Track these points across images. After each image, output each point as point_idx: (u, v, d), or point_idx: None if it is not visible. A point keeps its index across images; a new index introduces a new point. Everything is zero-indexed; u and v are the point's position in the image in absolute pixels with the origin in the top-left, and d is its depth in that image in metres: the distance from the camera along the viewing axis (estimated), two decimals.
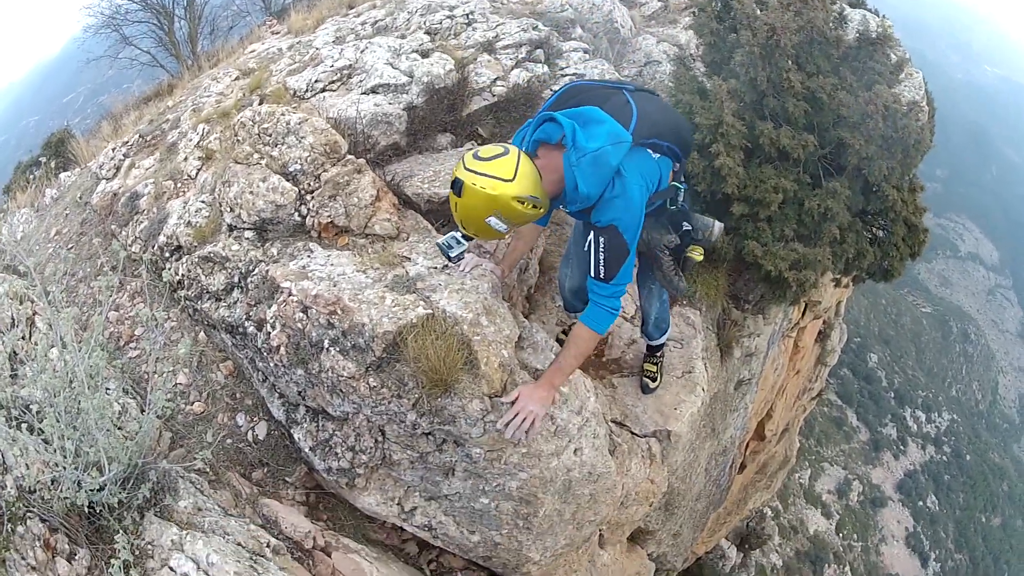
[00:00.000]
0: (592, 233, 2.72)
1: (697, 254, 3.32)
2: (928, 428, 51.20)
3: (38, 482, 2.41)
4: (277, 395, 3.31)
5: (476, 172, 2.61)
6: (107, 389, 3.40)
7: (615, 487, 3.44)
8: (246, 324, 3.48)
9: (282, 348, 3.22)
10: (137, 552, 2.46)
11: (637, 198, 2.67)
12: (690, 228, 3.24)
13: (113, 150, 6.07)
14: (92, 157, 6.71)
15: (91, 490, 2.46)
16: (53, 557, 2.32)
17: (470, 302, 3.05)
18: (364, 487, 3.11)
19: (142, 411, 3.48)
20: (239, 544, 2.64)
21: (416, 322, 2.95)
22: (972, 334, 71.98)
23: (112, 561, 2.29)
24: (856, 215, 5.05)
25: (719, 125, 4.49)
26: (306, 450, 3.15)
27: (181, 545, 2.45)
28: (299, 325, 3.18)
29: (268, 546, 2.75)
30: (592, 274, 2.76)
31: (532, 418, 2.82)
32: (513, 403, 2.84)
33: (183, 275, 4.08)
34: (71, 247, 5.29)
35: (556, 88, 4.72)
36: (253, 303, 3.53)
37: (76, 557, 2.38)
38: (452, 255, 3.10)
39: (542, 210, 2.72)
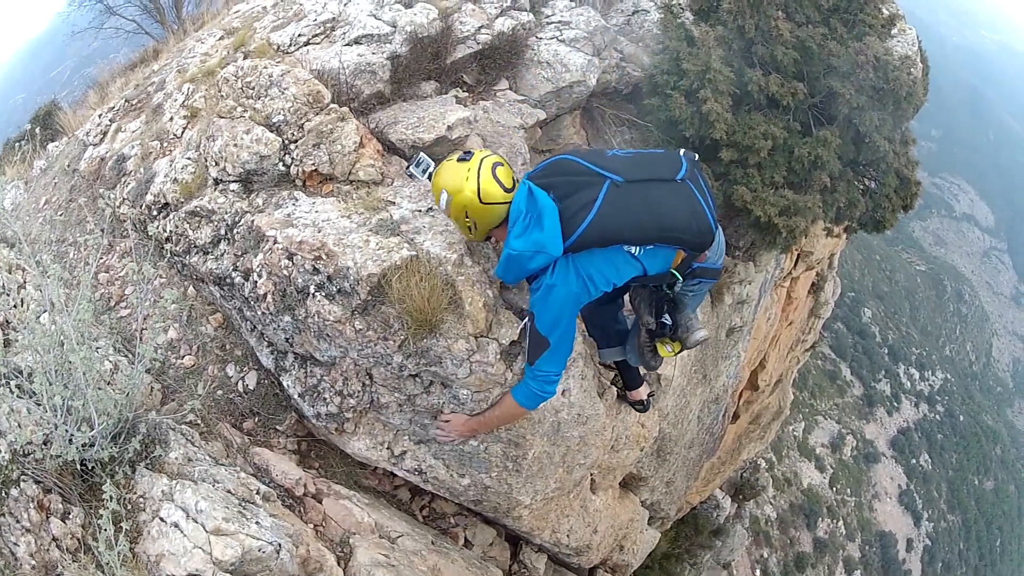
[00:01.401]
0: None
1: (667, 350, 3.25)
2: (922, 386, 51.44)
3: (30, 442, 2.41)
4: (265, 344, 3.28)
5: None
6: (97, 347, 3.38)
7: (604, 430, 3.44)
8: (233, 275, 3.45)
9: (268, 296, 3.18)
10: (129, 506, 2.46)
11: (558, 297, 2.64)
12: (669, 323, 3.15)
13: (99, 116, 5.97)
14: (79, 126, 6.61)
15: (82, 446, 2.45)
16: (47, 518, 2.33)
17: (454, 243, 3.01)
18: (353, 432, 3.10)
19: (139, 369, 3.47)
20: (228, 491, 2.64)
21: (400, 264, 2.91)
22: (967, 295, 72.09)
23: (101, 512, 2.28)
24: (847, 165, 5.01)
25: (706, 71, 4.43)
26: (295, 397, 3.13)
27: (171, 495, 2.45)
28: (285, 272, 3.14)
29: (258, 493, 2.75)
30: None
31: (452, 438, 3.08)
32: (447, 421, 3.02)
33: (171, 231, 4.03)
34: (60, 214, 5.23)
35: (542, 37, 4.62)
36: (239, 254, 3.50)
37: (70, 516, 2.38)
38: (417, 170, 3.12)
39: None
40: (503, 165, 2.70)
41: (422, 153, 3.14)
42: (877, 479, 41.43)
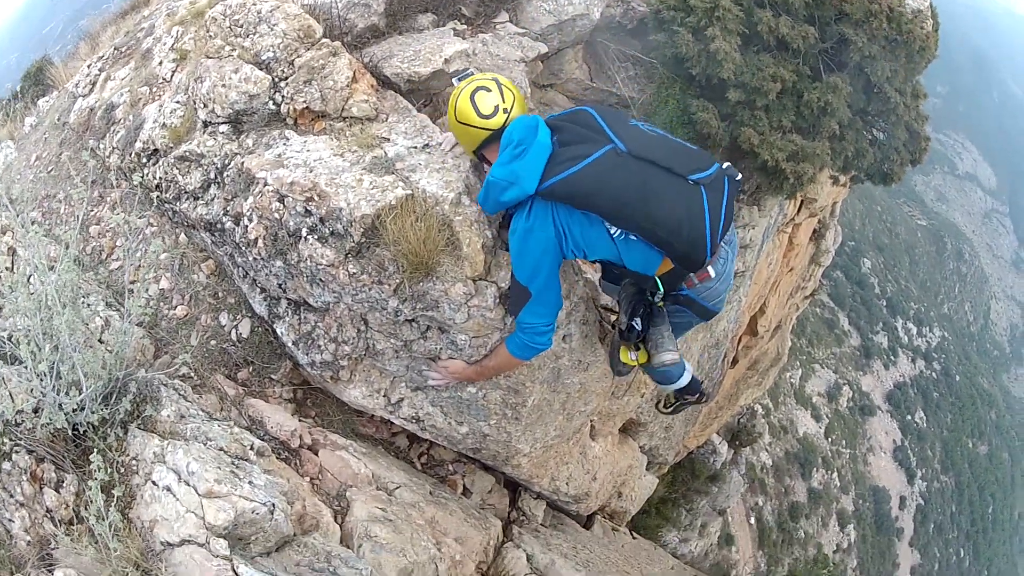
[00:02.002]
0: None
1: (630, 357, 2.99)
2: (919, 342, 51.41)
3: (21, 411, 2.32)
4: (258, 290, 3.16)
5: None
6: (88, 304, 3.28)
7: (606, 376, 3.34)
8: (224, 220, 3.31)
9: (260, 240, 3.05)
10: (122, 469, 2.37)
11: (537, 242, 2.51)
12: (638, 328, 2.86)
13: (88, 67, 5.76)
14: (70, 79, 6.40)
15: (71, 411, 2.35)
16: (40, 489, 2.25)
17: (451, 181, 2.85)
18: (349, 380, 3.00)
19: (129, 324, 3.36)
20: (221, 449, 2.54)
21: (395, 204, 2.76)
22: (967, 254, 71.72)
23: (90, 483, 2.19)
24: (856, 114, 4.87)
25: (715, 8, 4.23)
26: (289, 344, 3.02)
27: (163, 456, 2.35)
28: (276, 215, 3.00)
29: (252, 448, 2.66)
30: None
31: (448, 382, 2.97)
32: (446, 366, 2.91)
33: (160, 178, 3.89)
34: (50, 169, 5.08)
35: None
36: (230, 198, 3.35)
37: (63, 485, 2.30)
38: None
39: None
40: (490, 91, 2.59)
41: (471, 70, 2.94)
42: (872, 432, 41.66)
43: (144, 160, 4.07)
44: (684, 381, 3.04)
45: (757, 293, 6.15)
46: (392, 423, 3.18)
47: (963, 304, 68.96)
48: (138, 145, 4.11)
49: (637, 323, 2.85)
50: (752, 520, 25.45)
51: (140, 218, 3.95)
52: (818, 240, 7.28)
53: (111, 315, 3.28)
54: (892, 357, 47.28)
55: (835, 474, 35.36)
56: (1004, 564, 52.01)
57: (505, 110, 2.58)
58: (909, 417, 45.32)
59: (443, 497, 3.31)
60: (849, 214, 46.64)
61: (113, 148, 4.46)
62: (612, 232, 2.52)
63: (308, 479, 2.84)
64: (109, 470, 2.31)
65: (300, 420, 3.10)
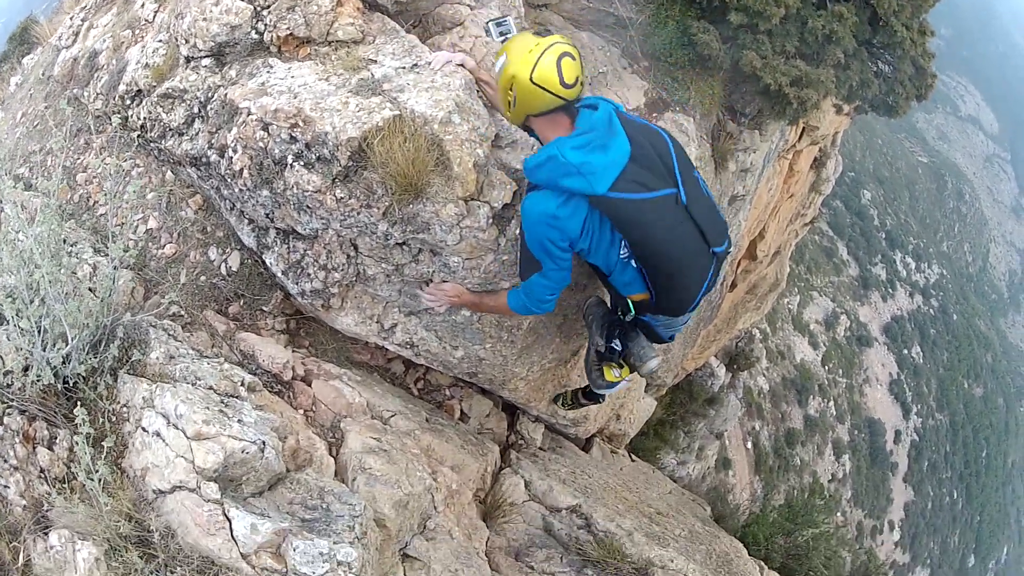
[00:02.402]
0: None
1: (614, 375, 3.02)
2: (917, 277, 51.02)
3: (10, 371, 2.21)
4: (246, 221, 3.04)
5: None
6: (72, 253, 3.17)
7: (604, 297, 3.21)
8: (208, 153, 3.17)
9: (245, 171, 2.92)
10: (113, 418, 2.28)
11: (552, 231, 2.40)
12: (619, 349, 2.91)
13: (71, 19, 5.53)
14: (54, 33, 6.18)
15: (56, 364, 2.25)
16: (34, 449, 2.17)
17: (441, 100, 2.68)
18: (340, 307, 2.90)
19: (116, 268, 3.25)
20: (210, 388, 2.45)
21: (382, 125, 2.62)
22: (967, 195, 70.68)
23: (75, 439, 2.11)
24: (862, 44, 4.75)
25: None
26: (279, 274, 2.91)
27: (152, 401, 2.26)
28: (260, 144, 2.86)
29: (242, 384, 2.57)
30: None
31: (441, 304, 2.84)
32: (444, 289, 2.79)
33: (145, 118, 3.75)
34: (36, 124, 4.92)
35: None
36: (214, 130, 3.21)
37: (56, 441, 2.21)
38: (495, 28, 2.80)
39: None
40: (574, 59, 2.34)
41: (510, 19, 2.77)
42: (868, 364, 41.51)
43: (128, 102, 3.93)
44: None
45: (757, 218, 6.03)
46: (387, 350, 3.09)
47: (962, 244, 68.31)
48: (121, 88, 3.97)
49: (616, 344, 2.90)
50: (749, 445, 25.57)
51: (125, 160, 3.81)
52: (819, 168, 7.11)
53: (99, 261, 3.17)
54: (890, 290, 46.86)
55: (831, 403, 35.35)
56: (996, 512, 52.36)
57: (583, 83, 2.39)
58: (906, 351, 45.19)
59: (440, 424, 3.25)
60: (849, 145, 45.46)
61: (97, 94, 4.31)
62: (621, 254, 2.50)
63: (302, 412, 2.77)
64: (101, 420, 2.24)
65: (293, 351, 3.01)
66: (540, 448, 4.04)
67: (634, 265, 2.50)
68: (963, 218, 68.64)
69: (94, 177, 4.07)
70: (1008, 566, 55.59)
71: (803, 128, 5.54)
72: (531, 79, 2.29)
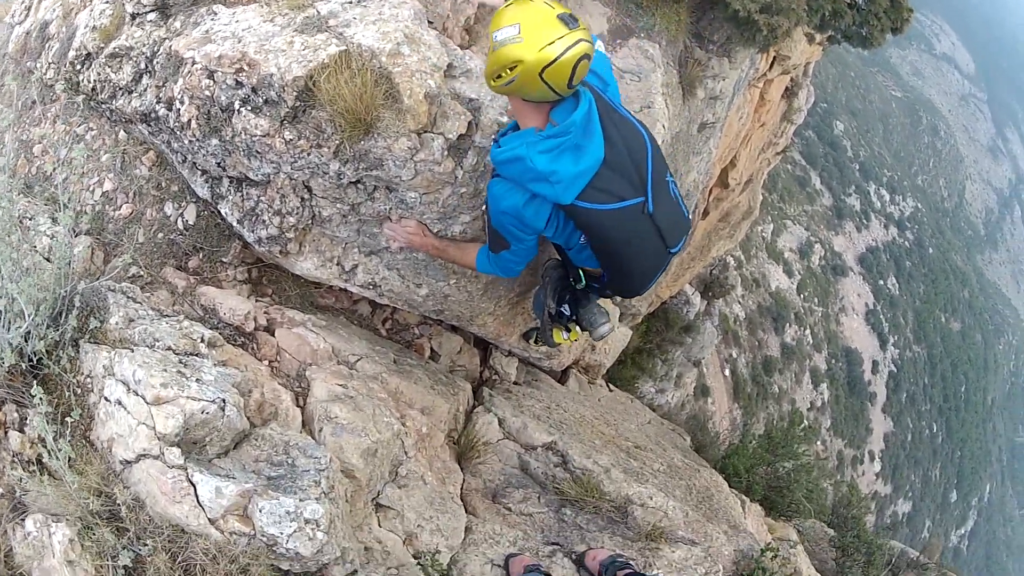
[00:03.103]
0: None
1: (563, 337, 3.03)
2: (892, 209, 50.74)
3: None
4: (199, 172, 2.86)
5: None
6: (26, 226, 2.98)
7: None
8: (157, 108, 2.98)
9: (193, 122, 2.73)
10: (79, 390, 2.15)
11: (517, 220, 2.31)
12: (567, 314, 2.88)
13: None
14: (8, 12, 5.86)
15: (17, 343, 2.11)
16: (5, 434, 2.04)
17: (388, 31, 2.50)
18: (299, 252, 2.74)
19: (75, 235, 3.06)
20: (169, 348, 2.31)
21: (328, 62, 2.43)
22: (942, 131, 69.99)
23: (34, 420, 1.98)
24: None
25: None
26: (235, 223, 2.75)
27: (112, 369, 2.12)
28: (207, 93, 2.67)
29: (202, 341, 2.44)
30: None
31: (401, 244, 2.71)
32: (407, 228, 2.65)
33: (95, 80, 3.54)
34: None
35: None
36: (161, 84, 3.01)
37: (27, 422, 2.08)
38: None
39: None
40: (590, 59, 2.06)
41: None
42: (844, 293, 41.47)
43: (78, 67, 3.71)
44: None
45: (728, 145, 5.86)
46: (352, 292, 2.94)
47: (937, 179, 67.96)
48: (71, 54, 3.76)
49: (566, 309, 2.87)
50: (727, 372, 25.70)
51: (79, 126, 3.61)
52: (790, 98, 6.90)
53: (57, 231, 2.99)
54: (864, 220, 46.63)
55: (808, 331, 35.39)
56: (978, 449, 52.96)
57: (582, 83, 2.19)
58: (881, 282, 45.16)
59: (408, 364, 3.13)
60: (821, 76, 44.58)
61: (49, 64, 4.09)
62: (580, 240, 2.42)
63: (266, 363, 2.64)
64: (67, 394, 2.12)
65: (257, 300, 2.87)
66: (515, 383, 3.94)
67: (591, 251, 2.46)
68: (938, 153, 68.18)
69: (49, 147, 3.87)
70: (992, 505, 56.34)
71: (774, 57, 5.32)
72: (541, 74, 2.00)
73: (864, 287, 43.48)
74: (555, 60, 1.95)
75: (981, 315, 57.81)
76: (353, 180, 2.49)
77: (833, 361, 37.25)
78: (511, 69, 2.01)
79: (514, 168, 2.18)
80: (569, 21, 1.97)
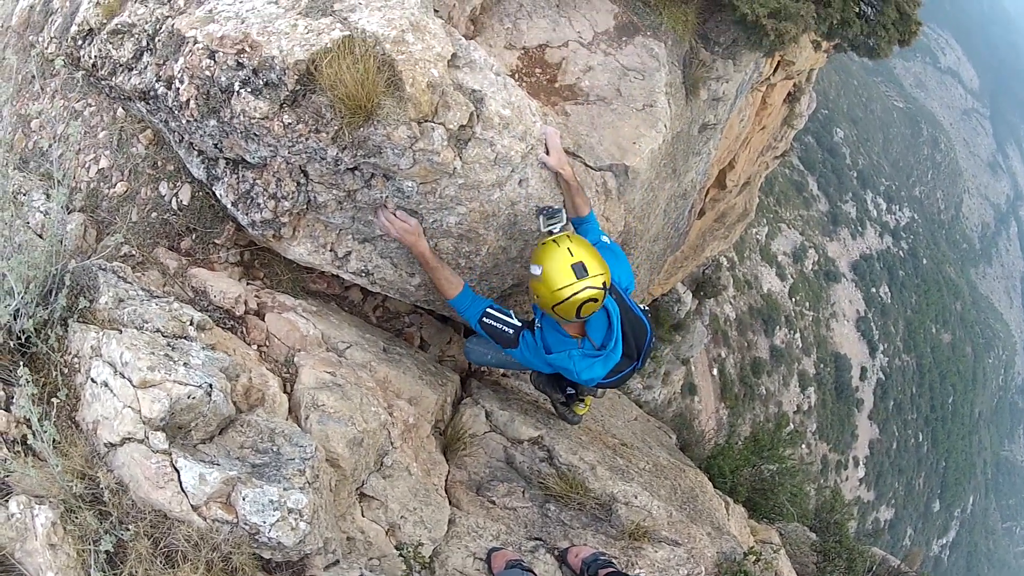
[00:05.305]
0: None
1: (581, 407, 3.61)
2: (888, 218, 50.55)
3: None
4: (195, 153, 2.81)
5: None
6: (21, 202, 2.94)
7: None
8: (156, 86, 2.93)
9: (191, 101, 2.68)
10: (66, 370, 2.11)
11: (533, 349, 2.81)
12: (574, 392, 3.38)
13: None
14: None
15: (6, 321, 2.07)
16: None
17: (393, 19, 2.45)
18: (292, 236, 2.70)
19: (68, 212, 3.01)
20: (158, 331, 2.28)
21: (331, 46, 2.39)
22: (943, 144, 69.65)
23: (20, 400, 1.93)
24: None
25: None
26: (229, 205, 2.71)
27: (99, 350, 2.09)
28: (207, 73, 2.62)
29: (191, 323, 2.40)
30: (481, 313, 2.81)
31: (394, 236, 2.72)
32: (405, 224, 2.68)
33: (95, 56, 3.49)
34: None
35: None
36: (161, 62, 2.96)
37: (13, 402, 2.03)
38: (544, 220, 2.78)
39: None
40: (597, 302, 2.56)
41: (564, 212, 2.77)
42: (836, 299, 41.28)
43: (80, 42, 3.66)
44: None
45: (727, 147, 5.82)
46: (343, 278, 2.91)
47: (935, 191, 67.73)
48: (73, 29, 3.71)
49: (570, 389, 3.35)
50: (715, 372, 25.61)
51: (78, 102, 3.55)
52: (792, 103, 6.85)
53: (51, 207, 2.94)
54: (860, 228, 46.47)
55: (797, 334, 35.24)
56: (962, 461, 52.78)
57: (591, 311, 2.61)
58: (874, 290, 45.01)
59: (397, 353, 3.09)
60: (824, 83, 44.57)
61: (51, 38, 4.04)
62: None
63: (255, 347, 2.61)
64: (54, 373, 2.08)
65: (248, 283, 2.82)
66: (503, 375, 3.90)
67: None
68: (937, 166, 67.97)
69: (47, 122, 3.81)
70: (975, 517, 56.17)
71: (779, 62, 5.27)
72: (552, 305, 2.54)
73: (856, 294, 43.38)
74: (563, 301, 2.48)
75: (972, 328, 57.71)
76: (351, 167, 2.45)
77: (822, 366, 37.17)
78: (537, 297, 2.57)
79: (560, 357, 2.76)
80: (579, 271, 2.47)
